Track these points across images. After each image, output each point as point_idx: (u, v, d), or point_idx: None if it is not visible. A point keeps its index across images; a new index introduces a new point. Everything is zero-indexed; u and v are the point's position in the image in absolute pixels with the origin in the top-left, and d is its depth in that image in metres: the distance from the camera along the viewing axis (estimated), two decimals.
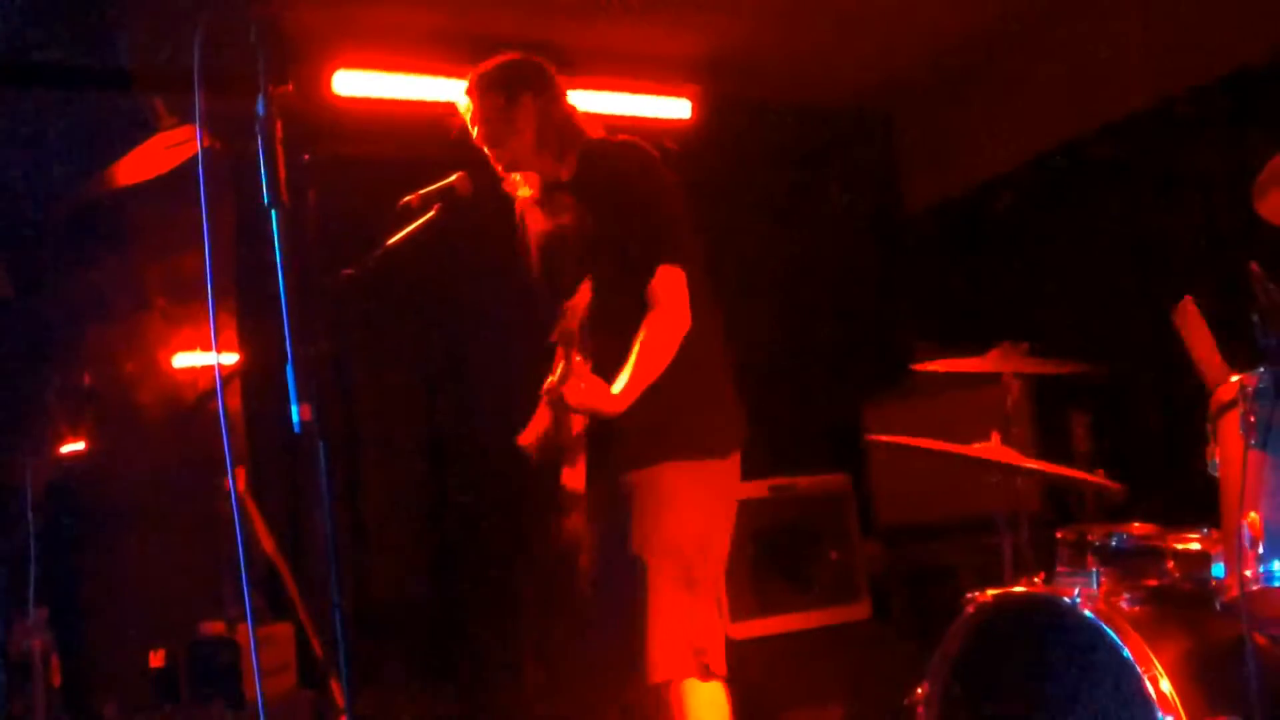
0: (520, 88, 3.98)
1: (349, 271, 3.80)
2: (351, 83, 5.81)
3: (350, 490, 5.95)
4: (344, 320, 5.73)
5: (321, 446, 2.74)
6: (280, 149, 2.77)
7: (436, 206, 3.98)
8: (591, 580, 3.95)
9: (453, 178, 3.98)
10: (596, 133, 4.06)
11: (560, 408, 3.72)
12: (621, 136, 4.01)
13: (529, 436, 4.01)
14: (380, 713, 5.48)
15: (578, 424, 3.80)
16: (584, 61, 6.19)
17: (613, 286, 3.76)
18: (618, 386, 3.66)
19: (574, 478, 3.78)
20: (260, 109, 2.76)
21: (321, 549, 2.70)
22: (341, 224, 4.76)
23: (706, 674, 3.71)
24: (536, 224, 4.11)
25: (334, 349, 5.66)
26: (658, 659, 3.67)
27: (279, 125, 2.77)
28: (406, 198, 3.98)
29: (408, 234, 3.97)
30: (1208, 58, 5.71)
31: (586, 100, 6.21)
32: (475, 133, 4.03)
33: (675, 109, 6.53)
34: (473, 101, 4.01)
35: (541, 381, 4.06)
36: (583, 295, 3.60)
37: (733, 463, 3.90)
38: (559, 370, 3.65)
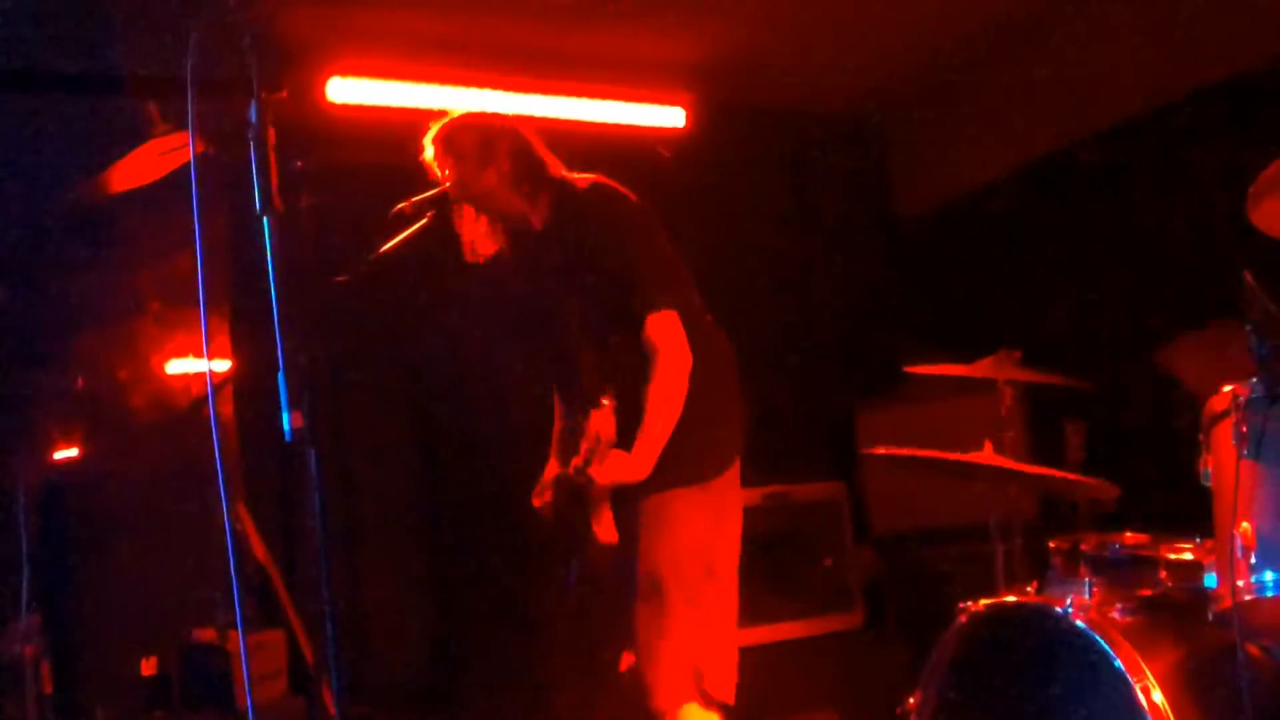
0: (486, 130, 3.98)
1: (342, 278, 3.80)
2: (346, 90, 5.80)
3: (343, 497, 5.94)
4: (337, 327, 5.72)
5: (312, 454, 2.73)
6: (273, 155, 2.77)
7: (430, 214, 3.98)
8: (603, 605, 3.95)
9: (446, 185, 3.98)
10: (558, 170, 4.03)
11: (589, 486, 3.70)
12: (587, 177, 3.97)
13: (541, 498, 4.06)
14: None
15: (601, 481, 3.78)
16: (578, 69, 6.21)
17: (609, 338, 3.81)
18: (638, 451, 3.67)
19: (606, 531, 3.76)
20: (253, 115, 2.76)
21: (313, 556, 2.69)
22: (335, 231, 4.75)
23: (707, 700, 3.71)
24: (526, 271, 4.11)
25: (327, 356, 5.68)
26: (661, 684, 3.68)
27: (271, 132, 2.77)
28: (400, 205, 3.98)
29: (401, 241, 3.97)
30: (1201, 64, 5.70)
31: (580, 108, 6.26)
32: (444, 178, 4.01)
33: (669, 117, 6.52)
34: (439, 151, 4.00)
35: (536, 395, 4.11)
36: (595, 427, 3.61)
37: (732, 474, 3.91)
38: (583, 451, 3.64)
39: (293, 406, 2.70)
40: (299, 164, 3.11)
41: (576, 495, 3.81)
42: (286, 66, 5.47)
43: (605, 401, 3.55)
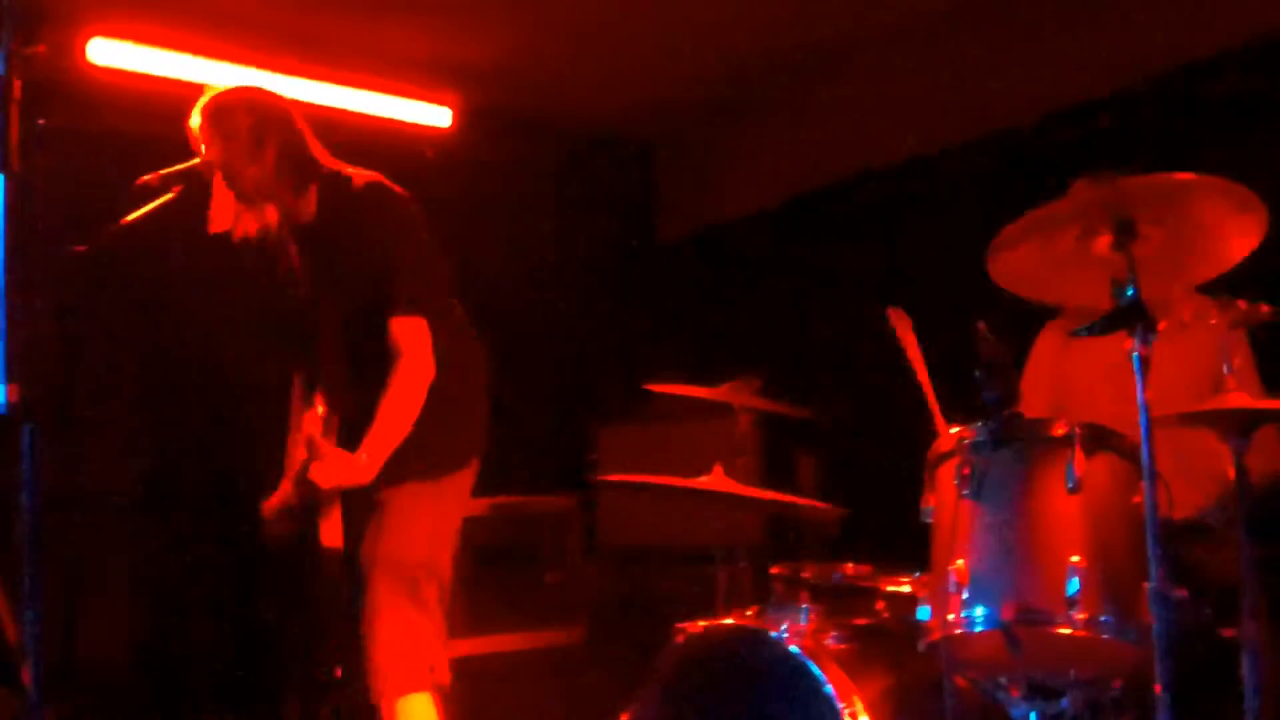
0: (261, 119, 3.86)
1: (81, 248, 3.66)
2: (107, 52, 5.59)
3: (66, 477, 5.69)
4: (73, 298, 5.50)
5: (27, 430, 2.60)
6: (16, 111, 2.63)
7: (177, 188, 3.86)
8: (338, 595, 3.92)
9: (197, 160, 3.87)
10: (332, 164, 3.96)
11: (314, 489, 3.68)
12: (364, 174, 3.92)
13: (272, 505, 4.03)
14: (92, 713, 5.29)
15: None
16: (348, 59, 6.11)
17: (358, 332, 3.79)
18: (365, 453, 3.67)
19: (332, 535, 3.75)
20: (0, 66, 2.62)
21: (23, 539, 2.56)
22: (80, 198, 4.56)
23: (436, 690, 3.78)
24: (282, 262, 4.04)
25: (57, 328, 5.44)
26: (385, 673, 3.70)
27: (18, 85, 2.63)
28: (146, 177, 3.85)
29: (145, 214, 3.83)
30: (966, 119, 5.94)
31: (347, 98, 6.16)
32: (210, 157, 3.88)
33: (436, 116, 6.47)
34: (206, 127, 3.86)
35: (276, 386, 4.02)
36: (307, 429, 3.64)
37: (465, 476, 3.95)
38: (306, 455, 3.65)
39: (9, 379, 2.56)
40: (41, 122, 2.96)
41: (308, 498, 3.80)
42: (48, 21, 5.24)
43: (319, 405, 3.54)
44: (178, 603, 5.89)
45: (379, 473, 3.73)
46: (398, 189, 3.90)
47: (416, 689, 3.72)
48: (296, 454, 3.96)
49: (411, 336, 3.74)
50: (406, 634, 3.74)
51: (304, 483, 3.65)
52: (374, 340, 3.74)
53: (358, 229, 3.82)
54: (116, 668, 5.75)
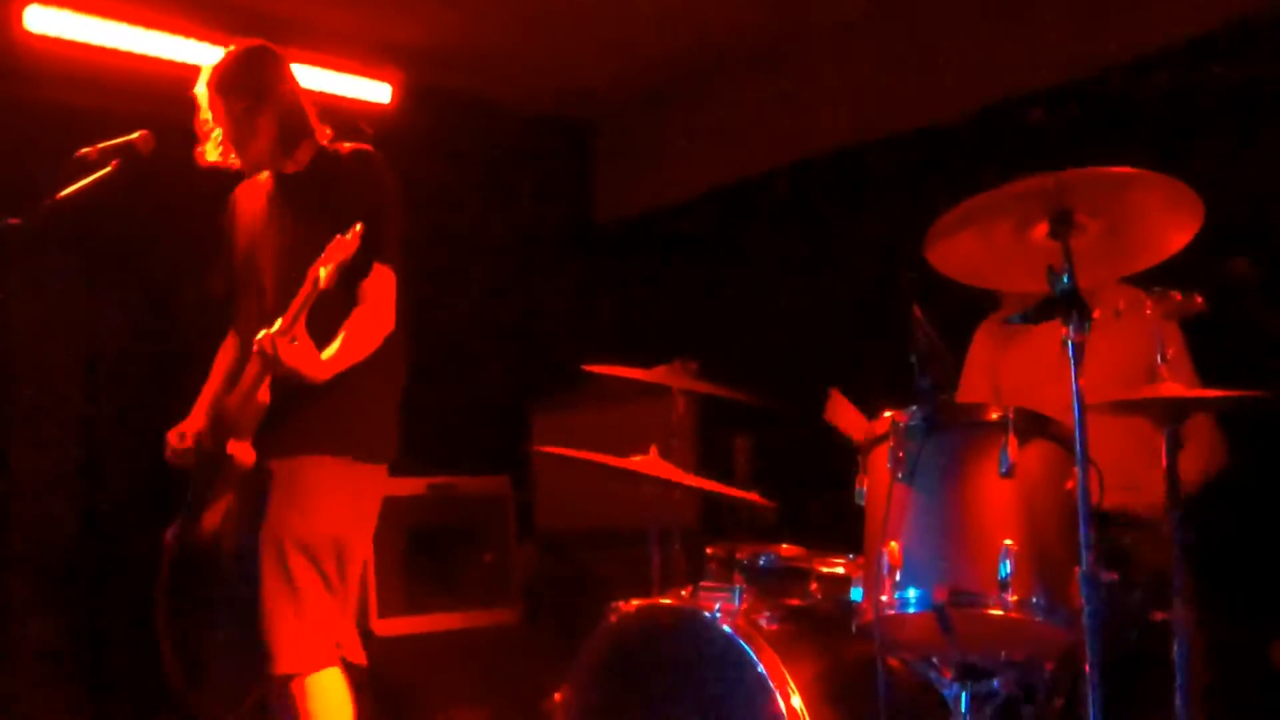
0: (266, 93, 3.95)
1: (15, 220, 3.62)
2: (45, 20, 5.50)
3: None
4: (6, 270, 5.43)
5: None
6: None
7: (115, 162, 3.83)
8: (233, 566, 3.87)
9: (135, 135, 3.84)
10: (324, 136, 4.05)
11: (264, 363, 3.63)
12: (353, 144, 4.01)
13: (182, 441, 3.99)
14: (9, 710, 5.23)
15: (262, 396, 3.76)
16: (287, 32, 6.03)
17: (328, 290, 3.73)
18: (325, 355, 3.66)
19: (242, 450, 3.72)
20: None
21: None
22: (15, 170, 4.50)
23: (347, 667, 3.76)
24: (256, 215, 4.06)
25: None
26: (283, 650, 3.68)
27: None
28: (84, 150, 3.82)
29: (81, 188, 3.80)
30: (899, 112, 5.99)
31: None
32: (211, 127, 4.00)
33: (375, 92, 6.44)
34: (214, 100, 3.96)
35: (207, 372, 3.99)
36: (329, 257, 3.58)
37: (380, 472, 3.95)
38: (278, 324, 3.59)
39: None
40: None
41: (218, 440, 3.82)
42: None
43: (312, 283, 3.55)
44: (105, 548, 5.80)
45: (290, 437, 3.76)
46: (383, 161, 3.97)
47: (324, 664, 3.71)
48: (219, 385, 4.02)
49: (381, 286, 3.80)
50: (312, 610, 3.71)
51: (263, 354, 3.57)
52: (337, 304, 3.72)
53: (345, 183, 3.89)
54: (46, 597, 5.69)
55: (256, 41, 4.05)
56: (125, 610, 5.61)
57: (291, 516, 3.74)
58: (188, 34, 5.71)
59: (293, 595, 3.69)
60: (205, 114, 3.99)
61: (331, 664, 3.73)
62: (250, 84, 3.95)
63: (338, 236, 3.59)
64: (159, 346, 5.86)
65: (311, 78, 6.19)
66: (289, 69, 4.05)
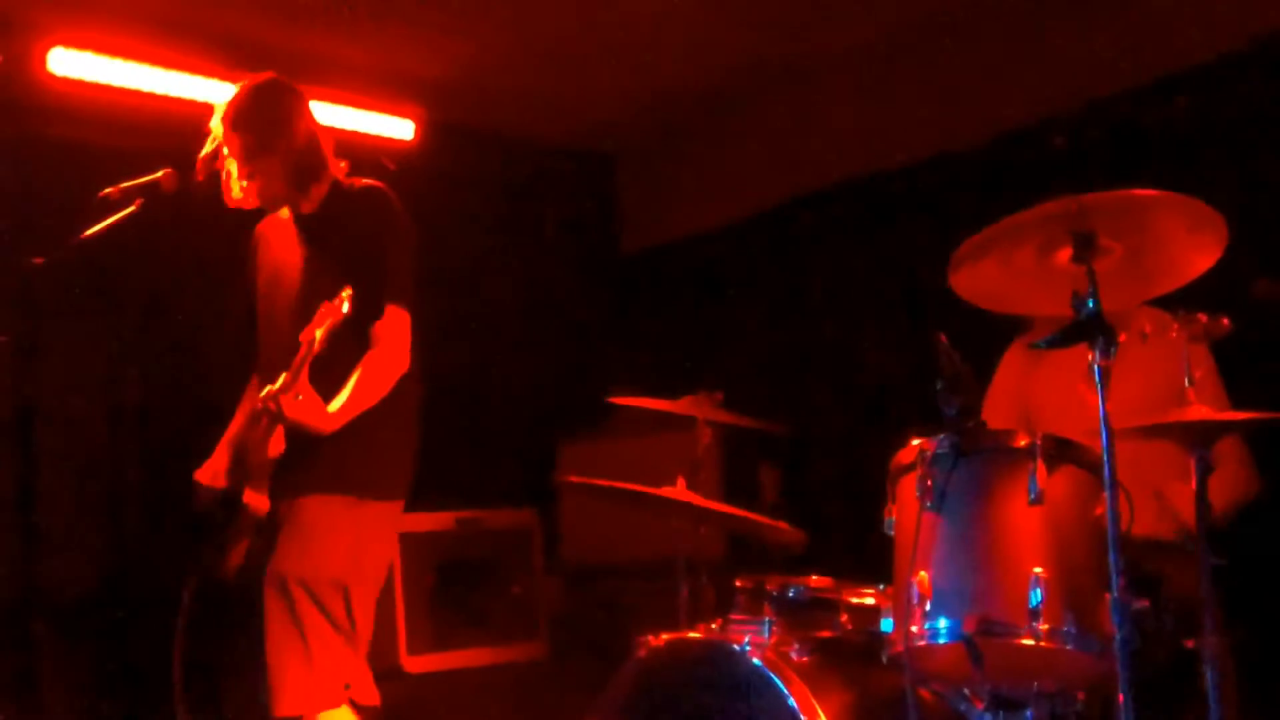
0: (279, 128, 3.90)
1: (40, 260, 3.64)
2: (69, 62, 5.55)
3: (24, 490, 5.63)
4: (32, 310, 5.45)
5: None
6: None
7: (138, 201, 3.85)
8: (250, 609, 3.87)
9: (159, 174, 3.86)
10: (339, 173, 4.02)
11: (271, 418, 3.63)
12: (366, 182, 3.97)
13: (205, 474, 4.02)
14: None
15: (275, 447, 3.76)
16: (310, 70, 6.07)
17: (340, 329, 3.72)
18: (333, 406, 3.64)
19: (257, 498, 3.71)
20: None
21: None
22: (40, 209, 4.52)
23: (357, 708, 3.71)
24: (279, 254, 4.05)
25: (15, 337, 5.39)
26: (286, 691, 3.64)
27: None
28: (108, 189, 3.84)
29: (105, 227, 3.82)
30: (918, 140, 5.98)
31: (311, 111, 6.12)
32: (226, 161, 3.93)
33: (398, 129, 6.46)
34: (229, 135, 3.90)
35: (233, 408, 4.00)
36: (319, 320, 3.57)
37: (391, 509, 3.91)
38: (280, 380, 3.58)
39: None
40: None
41: (241, 473, 3.84)
42: (8, 31, 5.21)
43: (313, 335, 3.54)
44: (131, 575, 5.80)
45: (302, 477, 3.74)
46: (396, 200, 3.94)
47: (329, 705, 3.67)
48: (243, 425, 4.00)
49: (393, 327, 3.77)
50: (317, 651, 3.67)
51: (273, 404, 3.56)
52: (348, 345, 3.71)
53: (354, 222, 3.86)
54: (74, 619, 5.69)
55: (269, 75, 3.99)
56: (150, 648, 5.61)
57: (294, 556, 3.72)
58: (210, 74, 5.74)
59: (296, 636, 3.67)
60: (219, 148, 3.94)
61: (337, 705, 3.68)
62: (264, 119, 3.90)
63: (324, 303, 3.57)
64: (183, 385, 5.87)
65: (334, 115, 6.23)
66: (305, 103, 4.00)
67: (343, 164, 4.04)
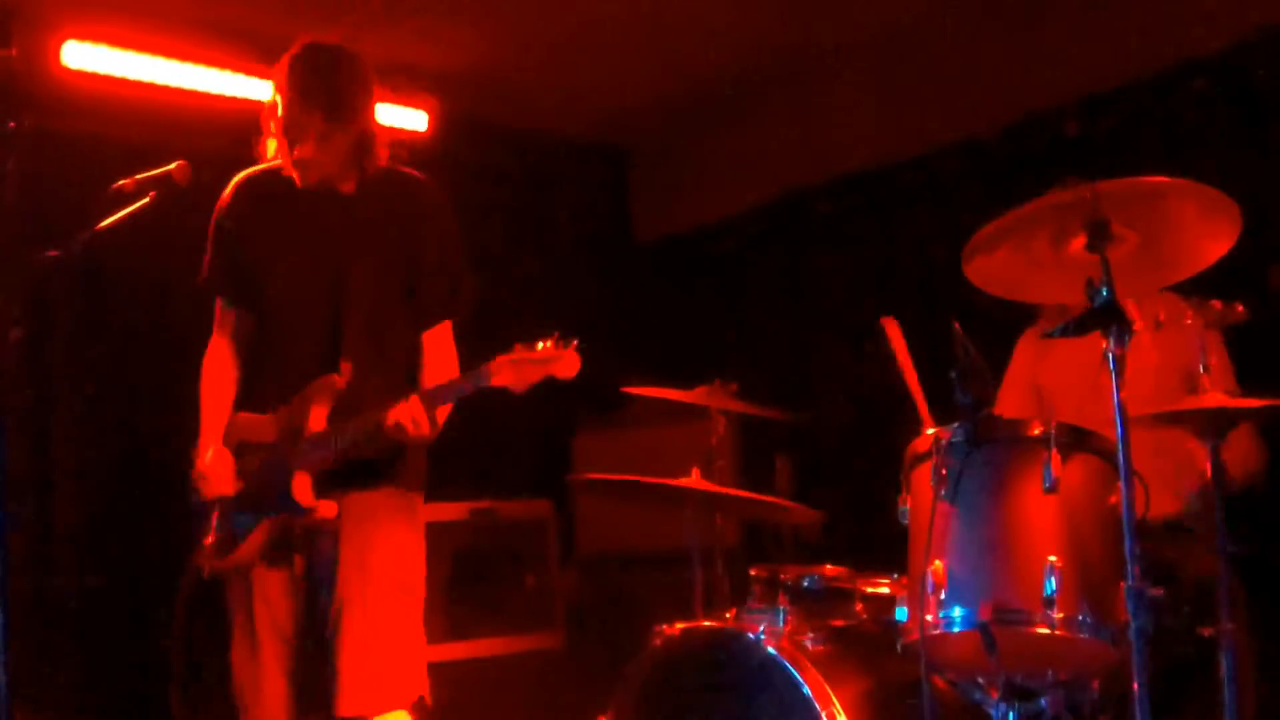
0: (363, 98, 3.69)
1: (54, 252, 3.63)
2: (83, 55, 5.55)
3: (39, 483, 5.65)
4: (46, 303, 5.46)
5: None
6: None
7: (152, 194, 3.83)
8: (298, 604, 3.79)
9: (172, 166, 3.84)
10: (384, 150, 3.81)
11: (401, 435, 3.47)
12: (412, 171, 3.84)
13: (212, 470, 3.76)
14: None
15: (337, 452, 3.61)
16: None
17: (385, 315, 3.69)
18: (431, 409, 3.52)
19: (325, 505, 3.59)
20: None
21: None
22: (53, 202, 4.52)
23: (420, 708, 3.61)
24: (302, 230, 3.80)
25: (28, 329, 5.41)
26: (368, 689, 3.51)
27: None
28: (121, 181, 3.83)
29: (119, 219, 3.81)
30: (931, 127, 5.98)
31: None
32: (284, 133, 3.69)
33: (412, 120, 6.46)
34: (301, 102, 3.64)
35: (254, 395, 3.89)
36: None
37: (421, 502, 3.84)
38: (413, 398, 3.46)
39: None
40: (11, 125, 2.94)
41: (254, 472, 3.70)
42: (21, 24, 5.21)
43: (339, 376, 3.51)
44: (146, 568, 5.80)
45: (353, 478, 3.61)
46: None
47: (397, 706, 3.55)
48: (307, 418, 3.67)
49: (450, 341, 3.79)
50: (403, 648, 3.58)
51: (400, 424, 3.42)
52: (399, 327, 3.69)
53: (410, 217, 3.75)
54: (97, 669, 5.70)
55: (336, 41, 3.79)
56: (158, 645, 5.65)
57: (379, 551, 3.60)
58: (223, 67, 5.75)
59: (387, 631, 3.55)
60: (278, 110, 3.69)
61: (406, 705, 3.56)
62: (350, 87, 3.68)
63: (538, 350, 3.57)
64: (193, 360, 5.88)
65: None
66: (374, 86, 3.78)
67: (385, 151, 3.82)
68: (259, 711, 3.63)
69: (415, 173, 3.86)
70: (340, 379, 3.60)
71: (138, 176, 3.83)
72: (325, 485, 3.59)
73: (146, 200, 3.82)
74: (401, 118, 6.44)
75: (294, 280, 3.79)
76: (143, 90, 5.70)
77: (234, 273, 3.87)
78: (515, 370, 3.49)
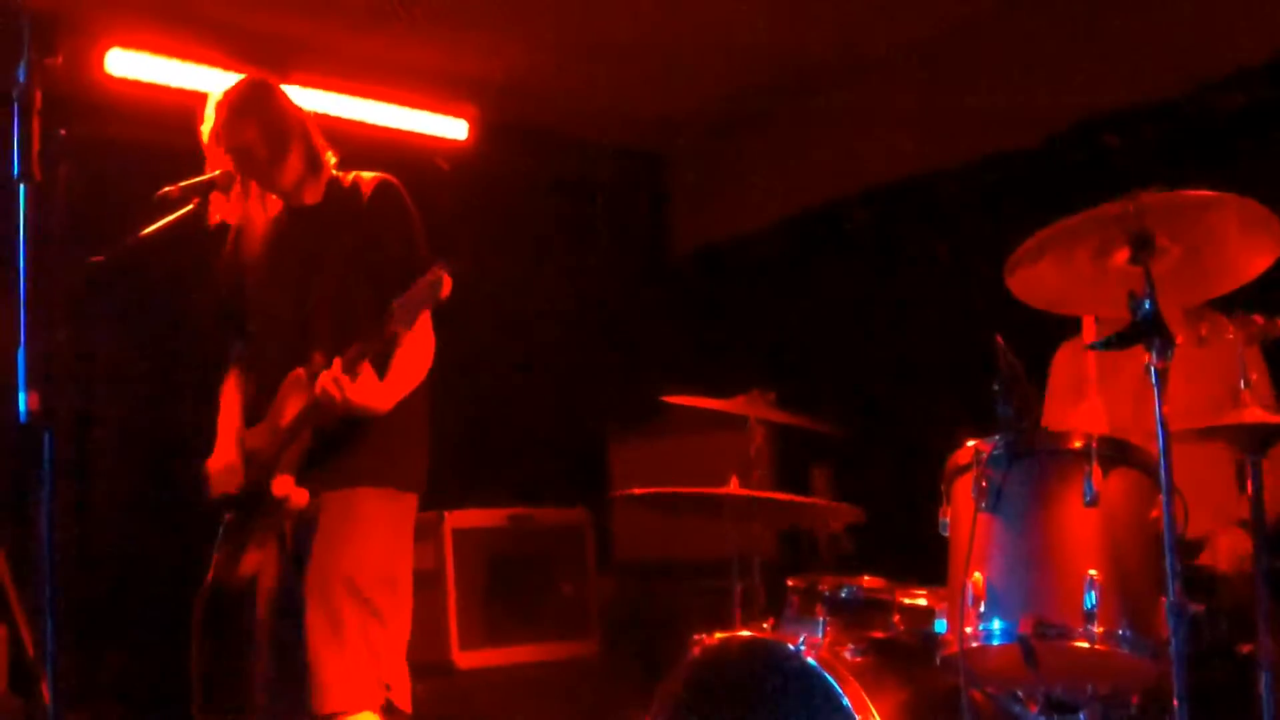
0: (291, 118, 3.89)
1: (99, 258, 3.67)
2: (126, 63, 5.62)
3: (80, 487, 5.69)
4: (90, 308, 5.50)
5: (47, 437, 2.60)
6: (37, 121, 2.64)
7: (195, 200, 3.87)
8: (272, 603, 3.84)
9: (216, 172, 3.88)
10: (333, 162, 3.99)
11: (326, 404, 3.55)
12: (374, 174, 3.92)
13: (219, 467, 3.91)
14: None
15: (306, 434, 3.70)
16: (364, 72, 6.13)
17: (357, 307, 3.73)
18: (387, 382, 3.62)
19: (297, 492, 3.65)
20: (21, 76, 2.63)
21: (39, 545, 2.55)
22: (99, 208, 4.54)
23: (390, 711, 3.64)
24: (267, 247, 3.99)
25: (74, 335, 5.45)
26: (331, 688, 3.57)
27: (39, 96, 2.65)
28: (166, 188, 3.86)
29: (163, 226, 3.85)
30: (972, 138, 5.96)
31: (364, 109, 6.18)
32: (228, 154, 3.86)
33: (452, 129, 6.49)
34: (243, 141, 3.84)
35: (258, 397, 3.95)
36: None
37: (413, 502, 3.88)
38: (335, 364, 3.53)
39: (30, 387, 2.56)
40: (63, 132, 2.96)
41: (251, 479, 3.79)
42: (65, 32, 5.27)
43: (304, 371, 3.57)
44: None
45: (336, 469, 3.69)
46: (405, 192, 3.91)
47: (363, 708, 3.58)
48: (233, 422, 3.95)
49: (425, 324, 3.75)
50: (362, 648, 3.61)
51: (326, 390, 3.50)
52: (370, 320, 3.66)
53: (375, 217, 3.82)
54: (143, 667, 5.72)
55: (245, 79, 3.97)
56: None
57: (345, 550, 3.67)
58: (264, 75, 5.78)
59: (345, 631, 3.60)
60: (219, 140, 3.86)
61: (373, 707, 3.60)
62: (272, 115, 3.87)
63: (418, 280, 3.51)
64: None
65: (389, 115, 6.27)
66: (296, 106, 3.98)
67: (334, 156, 3.99)
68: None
69: (381, 174, 3.93)
70: (305, 371, 3.67)
71: (182, 184, 3.87)
72: (308, 480, 3.68)
73: (191, 207, 3.86)
74: (442, 126, 6.48)
75: (264, 295, 3.97)
76: (186, 97, 5.73)
77: (223, 309, 4.11)
78: (404, 312, 3.49)
